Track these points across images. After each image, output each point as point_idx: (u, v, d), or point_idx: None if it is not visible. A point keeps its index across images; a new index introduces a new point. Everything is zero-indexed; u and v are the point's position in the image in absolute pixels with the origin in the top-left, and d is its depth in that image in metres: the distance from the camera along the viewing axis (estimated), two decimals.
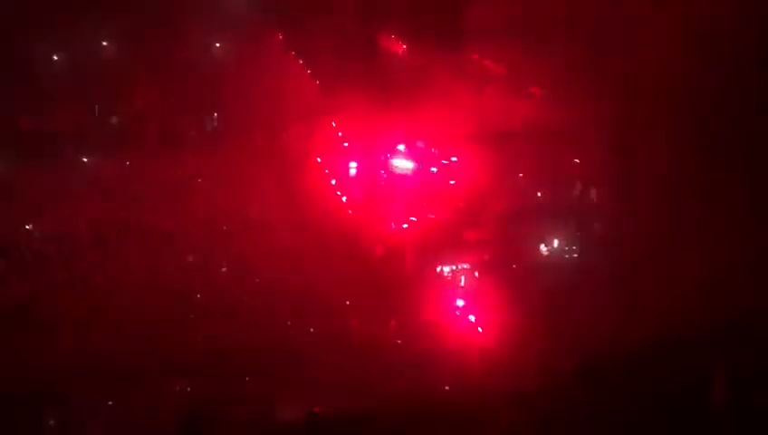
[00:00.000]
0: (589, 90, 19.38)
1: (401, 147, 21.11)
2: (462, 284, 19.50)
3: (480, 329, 18.22)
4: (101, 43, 23.24)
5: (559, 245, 19.77)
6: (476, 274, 19.48)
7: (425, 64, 21.31)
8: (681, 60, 18.71)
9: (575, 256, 19.71)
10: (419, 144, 21.09)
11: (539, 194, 20.14)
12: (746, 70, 18.47)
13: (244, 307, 18.87)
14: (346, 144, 22.06)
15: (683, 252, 18.12)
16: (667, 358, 14.81)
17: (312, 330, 18.56)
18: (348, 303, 19.15)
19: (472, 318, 18.51)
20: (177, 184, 21.88)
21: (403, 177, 20.92)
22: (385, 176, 21.00)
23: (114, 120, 23.38)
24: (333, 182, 22.08)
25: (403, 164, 21.06)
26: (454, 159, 20.66)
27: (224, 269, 20.01)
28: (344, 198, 21.74)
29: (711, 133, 18.70)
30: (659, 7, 18.94)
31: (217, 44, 23.46)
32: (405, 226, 20.43)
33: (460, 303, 18.96)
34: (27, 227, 20.65)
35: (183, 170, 22.10)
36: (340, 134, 22.29)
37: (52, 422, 15.67)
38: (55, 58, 23.08)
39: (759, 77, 18.32)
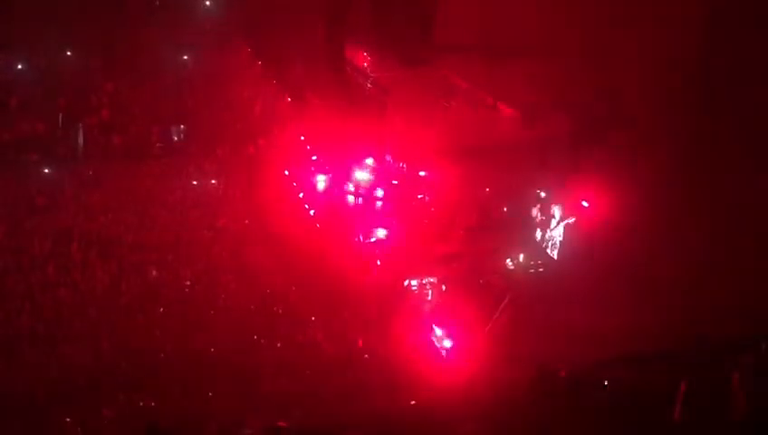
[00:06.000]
0: (557, 105, 19.83)
1: (369, 161, 21.22)
2: (429, 297, 19.57)
3: (447, 343, 18.39)
4: (66, 53, 23.12)
5: (524, 259, 20.07)
6: (444, 287, 19.57)
7: (393, 78, 21.55)
8: (654, 75, 19.27)
9: (540, 270, 19.99)
10: (388, 158, 21.22)
11: (505, 209, 20.37)
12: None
13: (210, 321, 18.87)
14: (314, 157, 22.07)
15: (647, 266, 18.81)
16: (627, 372, 15.31)
17: (278, 344, 18.62)
18: (313, 318, 19.18)
19: (439, 332, 18.62)
20: (141, 196, 21.74)
21: (371, 191, 21.00)
22: (353, 189, 21.08)
23: (78, 129, 23.17)
24: (301, 195, 22.07)
25: (370, 178, 21.21)
26: (422, 173, 20.78)
27: (188, 283, 19.90)
28: (312, 212, 21.74)
29: (685, 148, 19.33)
30: (631, 23, 19.42)
31: (185, 57, 23.39)
32: (372, 239, 20.47)
33: (427, 316, 19.03)
34: None
35: (147, 182, 22.03)
36: (308, 147, 22.32)
37: None
38: (19, 67, 22.96)
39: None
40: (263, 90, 23.36)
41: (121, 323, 18.50)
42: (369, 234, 20.51)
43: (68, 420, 16.12)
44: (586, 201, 19.34)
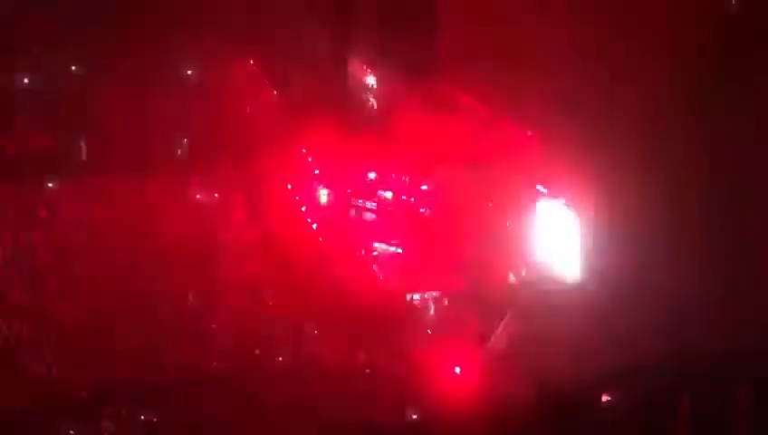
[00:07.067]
0: (560, 117, 19.54)
1: (371, 175, 21.28)
2: (431, 312, 19.69)
3: (449, 358, 18.26)
4: (71, 68, 23.16)
5: (528, 274, 20.02)
6: (445, 302, 19.66)
7: (394, 95, 21.67)
8: (658, 83, 19.33)
9: (543, 284, 19.72)
10: (390, 172, 21.30)
11: (507, 223, 20.30)
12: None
13: (211, 335, 18.98)
14: (317, 171, 22.02)
15: (649, 278, 18.49)
16: (629, 388, 15.57)
17: (279, 359, 18.77)
18: (316, 332, 19.20)
19: (441, 347, 18.59)
20: (143, 210, 21.54)
21: (373, 204, 21.13)
22: (355, 203, 21.17)
23: (82, 143, 23.03)
24: (303, 209, 22.00)
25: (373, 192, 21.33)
26: (423, 187, 20.87)
27: (189, 296, 19.88)
28: (314, 226, 21.68)
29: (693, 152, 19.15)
30: (633, 34, 19.49)
31: (189, 71, 23.40)
32: (375, 253, 20.58)
33: (429, 331, 19.27)
34: None
35: (150, 197, 21.79)
36: (310, 160, 22.23)
37: None
38: (26, 81, 23.04)
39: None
40: (265, 103, 23.28)
41: (122, 336, 18.53)
42: (371, 247, 20.61)
43: (71, 432, 16.09)
44: (589, 211, 19.20)
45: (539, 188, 19.86)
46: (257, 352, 18.88)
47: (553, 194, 19.72)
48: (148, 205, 21.63)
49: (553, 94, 19.69)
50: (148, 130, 22.43)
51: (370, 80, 22.45)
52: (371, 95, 22.12)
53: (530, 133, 20.34)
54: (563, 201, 19.51)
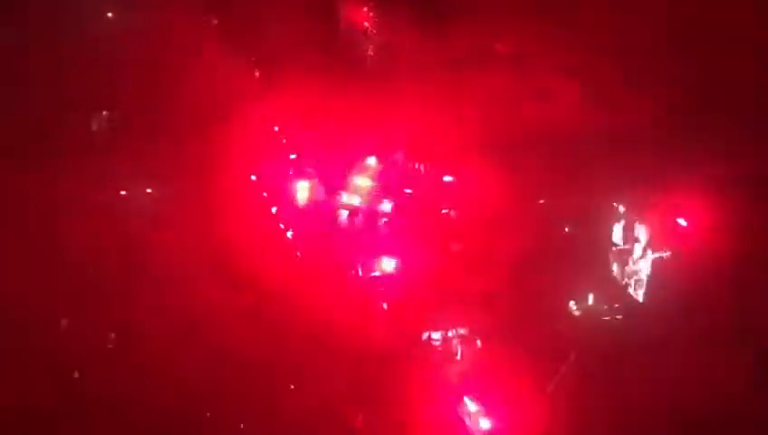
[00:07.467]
0: (637, 79, 17.23)
1: (371, 160, 18.58)
2: (458, 356, 17.43)
3: (484, 421, 16.40)
4: None
5: (595, 301, 17.76)
6: (479, 342, 17.34)
7: (405, 43, 18.59)
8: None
9: (619, 317, 17.61)
10: (397, 157, 18.65)
11: (566, 229, 17.73)
12: None
13: (141, 388, 15.89)
14: (293, 156, 19.14)
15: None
16: None
17: (241, 425, 16.14)
18: (292, 386, 16.55)
19: (472, 405, 16.63)
20: (50, 208, 17.81)
21: (374, 203, 18.68)
22: (348, 201, 18.66)
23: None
24: (274, 211, 19.05)
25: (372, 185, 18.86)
26: (447, 178, 18.17)
27: (112, 335, 16.91)
28: (289, 234, 18.82)
29: None
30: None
31: (110, 14, 19.40)
32: (376, 274, 18.12)
33: (456, 383, 17.08)
34: None
35: (58, 189, 18.06)
36: (283, 141, 19.34)
37: None
38: None
39: None
40: (222, 60, 19.71)
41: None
42: (371, 265, 18.32)
43: None
44: (684, 220, 17.31)
45: (616, 181, 17.44)
46: (208, 414, 16.33)
47: (636, 190, 17.42)
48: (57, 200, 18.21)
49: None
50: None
51: (370, 26, 19.30)
52: (372, 47, 18.99)
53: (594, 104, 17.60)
54: (651, 201, 17.36)
